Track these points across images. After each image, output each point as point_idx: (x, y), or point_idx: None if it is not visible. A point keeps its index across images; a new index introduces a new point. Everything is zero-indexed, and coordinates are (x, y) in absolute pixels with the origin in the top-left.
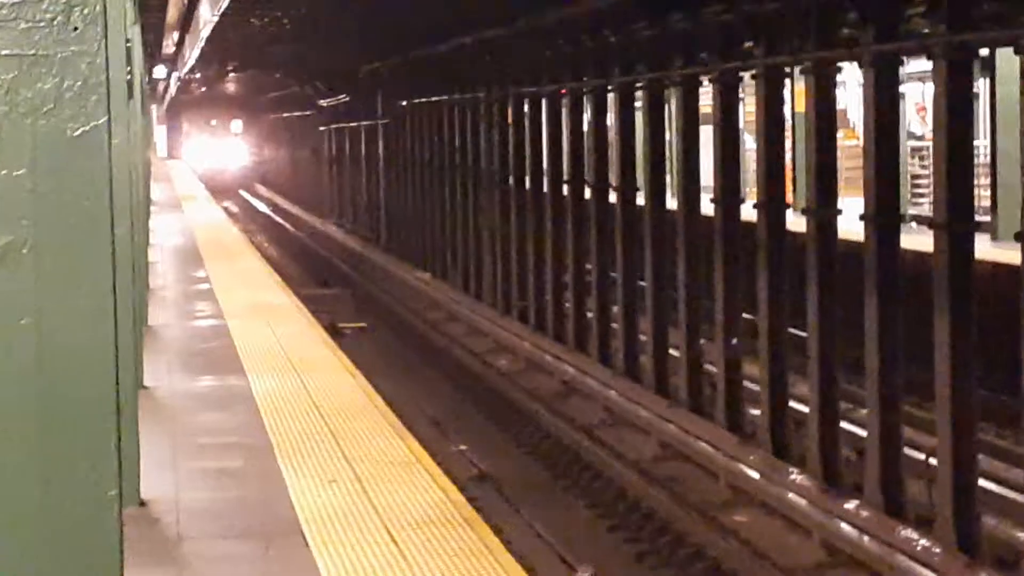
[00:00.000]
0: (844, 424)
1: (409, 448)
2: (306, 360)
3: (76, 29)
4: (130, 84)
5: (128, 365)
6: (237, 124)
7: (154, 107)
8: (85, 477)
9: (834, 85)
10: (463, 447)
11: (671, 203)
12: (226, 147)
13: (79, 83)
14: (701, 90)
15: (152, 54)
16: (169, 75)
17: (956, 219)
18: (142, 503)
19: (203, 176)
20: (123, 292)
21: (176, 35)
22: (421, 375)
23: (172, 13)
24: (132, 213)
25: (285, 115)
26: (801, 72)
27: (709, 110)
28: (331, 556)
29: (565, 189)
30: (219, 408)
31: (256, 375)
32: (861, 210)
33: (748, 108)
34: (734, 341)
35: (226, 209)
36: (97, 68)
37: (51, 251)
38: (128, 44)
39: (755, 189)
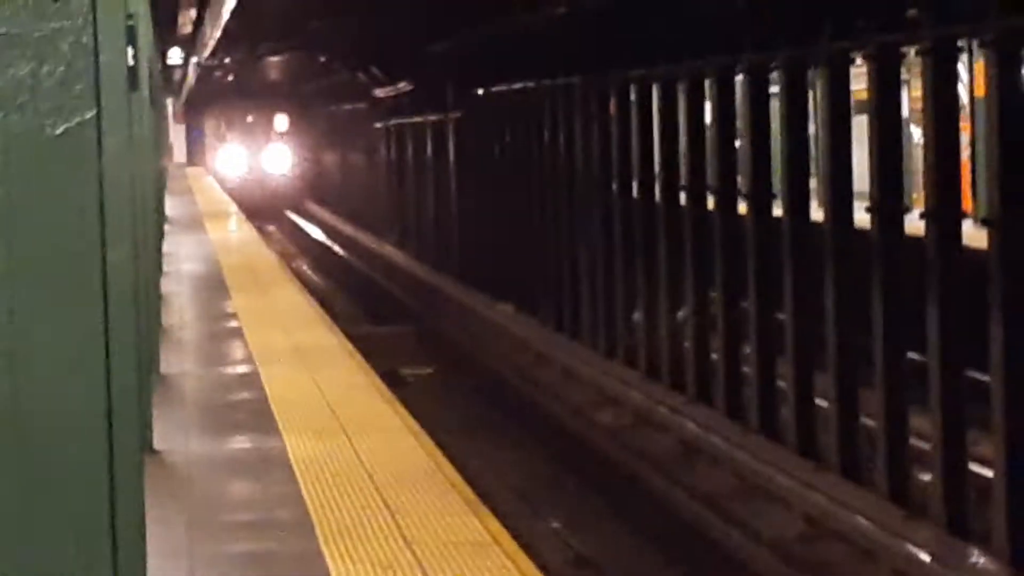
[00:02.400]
0: None
1: (485, 526)
2: (357, 416)
3: (56, 1)
4: (132, 71)
5: (130, 423)
6: (282, 120)
7: (170, 101)
8: (71, 561)
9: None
10: (555, 525)
11: (815, 213)
12: (266, 151)
13: (61, 68)
14: (853, 70)
15: (165, 35)
16: (186, 60)
17: None
18: None
19: (235, 191)
20: (121, 331)
21: (194, 11)
22: (502, 434)
23: None
24: (135, 233)
25: (346, 107)
26: (981, 47)
27: (863, 95)
28: None
29: (682, 197)
30: (248, 477)
31: (294, 435)
32: None
33: (914, 92)
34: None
35: (265, 232)
36: (83, 49)
37: (27, 280)
38: (130, 21)
39: (922, 194)
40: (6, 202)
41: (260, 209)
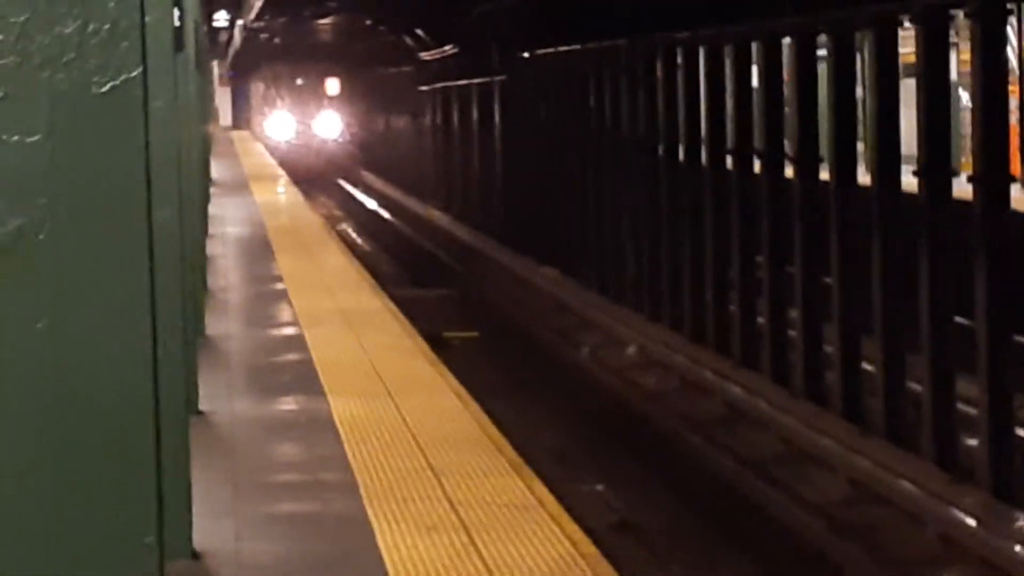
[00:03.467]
0: None
1: (530, 488)
2: (402, 378)
3: None
4: (178, 32)
5: (176, 384)
6: (333, 84)
7: (215, 64)
8: (116, 521)
9: None
10: (599, 488)
11: (863, 177)
12: (317, 115)
13: (107, 27)
14: (901, 33)
15: None
16: (232, 23)
17: None
18: (195, 555)
19: (283, 157)
20: (168, 293)
21: None
22: (546, 398)
23: None
24: (181, 194)
25: (392, 71)
26: None
27: (911, 59)
28: None
29: (729, 161)
30: (292, 438)
31: (339, 397)
32: None
33: (962, 56)
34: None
35: (317, 201)
36: (130, 8)
37: (73, 238)
38: None
39: (970, 159)
40: (51, 160)
41: (309, 177)
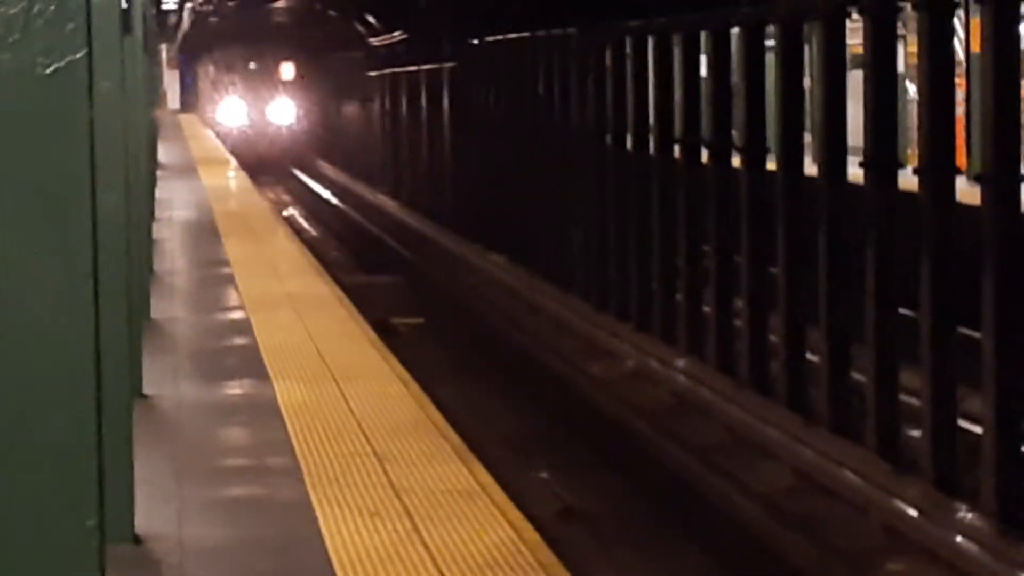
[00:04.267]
0: None
1: (474, 475)
2: (347, 364)
3: None
4: (126, 14)
5: (120, 367)
6: (288, 69)
7: (164, 48)
8: (57, 504)
9: (1020, 19)
10: (544, 475)
11: (809, 168)
12: (271, 101)
13: (52, 7)
14: (849, 24)
15: None
16: (181, 5)
17: None
18: (136, 540)
19: (235, 145)
20: (112, 276)
21: None
22: (493, 384)
23: None
24: (127, 177)
25: (343, 56)
26: (977, 2)
27: (859, 50)
28: None
29: (676, 151)
30: (236, 423)
31: (284, 382)
32: None
33: (910, 48)
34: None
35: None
36: None
37: (17, 220)
38: None
39: (916, 151)
40: None
41: (262, 166)
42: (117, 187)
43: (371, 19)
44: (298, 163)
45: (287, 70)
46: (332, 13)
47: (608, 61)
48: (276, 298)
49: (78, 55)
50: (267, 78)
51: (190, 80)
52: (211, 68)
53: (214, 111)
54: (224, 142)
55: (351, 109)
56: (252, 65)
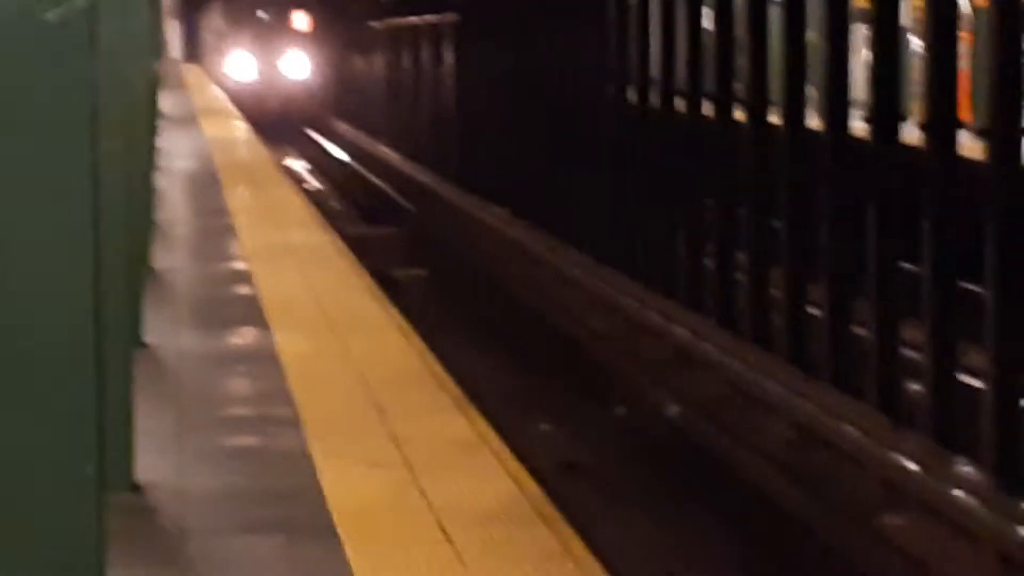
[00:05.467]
0: None
1: (474, 427)
2: (347, 315)
3: None
4: None
5: (120, 316)
6: (300, 18)
7: None
8: (57, 451)
9: None
10: (544, 427)
11: (812, 121)
12: (282, 54)
13: None
14: None
15: None
16: None
17: None
18: (135, 488)
19: (241, 100)
20: (113, 225)
21: None
22: (493, 337)
23: None
24: (129, 126)
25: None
26: None
27: (864, 4)
28: (370, 558)
29: (678, 103)
30: (236, 372)
31: (284, 333)
32: None
33: (914, 2)
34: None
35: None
36: None
37: (15, 167)
38: None
39: (920, 105)
40: None
41: (273, 126)
42: (118, 135)
43: None
44: (313, 124)
45: (300, 20)
46: None
47: (613, 12)
48: (277, 249)
49: (81, 3)
50: (278, 28)
51: (193, 30)
52: (216, 18)
53: (220, 63)
54: (232, 99)
55: (356, 63)
56: (261, 14)
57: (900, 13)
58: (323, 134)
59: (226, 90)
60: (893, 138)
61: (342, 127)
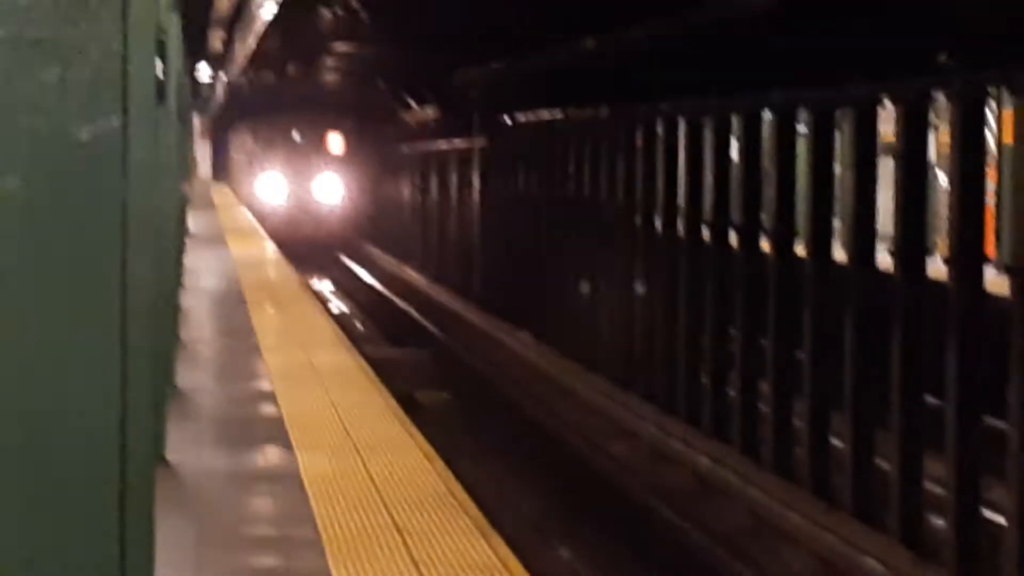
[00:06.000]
0: None
1: (495, 551)
2: (371, 437)
3: (89, 6)
4: (161, 84)
5: (144, 434)
6: (336, 141)
7: (196, 118)
8: (79, 567)
9: None
10: (565, 554)
11: (838, 254)
12: (315, 176)
13: (88, 73)
14: (881, 113)
15: (195, 52)
16: (215, 77)
17: None
18: None
19: (271, 223)
20: (139, 343)
21: (224, 31)
22: (516, 462)
23: (223, 4)
24: (158, 246)
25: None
26: (1010, 93)
27: (891, 138)
28: None
29: (705, 233)
30: (258, 492)
31: (307, 453)
32: None
33: (941, 137)
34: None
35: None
36: (113, 57)
37: (46, 286)
38: (162, 36)
39: (946, 240)
40: (28, 207)
41: (307, 252)
42: (147, 254)
43: (405, 95)
44: (347, 250)
45: (335, 142)
46: (364, 88)
47: (639, 143)
48: (301, 369)
49: (114, 124)
50: (312, 151)
51: (222, 151)
52: (247, 138)
53: (249, 184)
54: (262, 223)
55: (385, 184)
56: (296, 136)
57: (928, 148)
58: (358, 262)
59: (255, 212)
60: (920, 272)
61: (375, 253)
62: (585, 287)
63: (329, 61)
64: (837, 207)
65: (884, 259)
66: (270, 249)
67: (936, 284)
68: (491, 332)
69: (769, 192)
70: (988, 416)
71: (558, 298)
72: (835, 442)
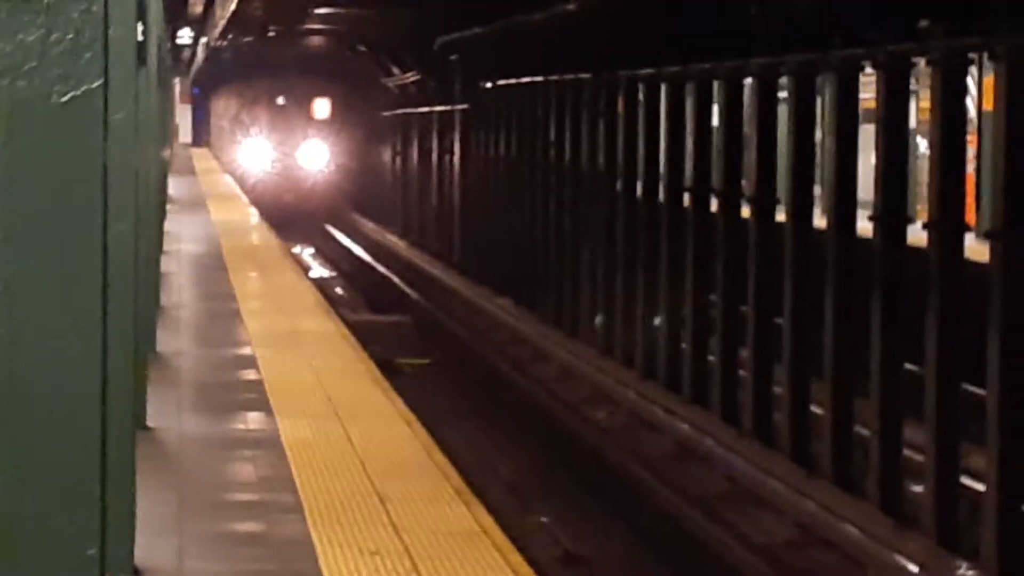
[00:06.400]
0: None
1: (475, 517)
2: (351, 402)
3: None
4: (141, 46)
5: (125, 399)
6: (323, 106)
7: (177, 81)
8: (60, 531)
9: None
10: (545, 519)
11: (818, 220)
12: (301, 143)
13: (70, 36)
14: (863, 78)
15: (176, 16)
16: (195, 41)
17: None
18: (136, 572)
19: (259, 195)
20: (120, 308)
21: None
22: (497, 427)
23: None
24: (138, 209)
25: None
26: (991, 60)
27: (872, 104)
28: None
29: (686, 199)
30: (239, 457)
31: (287, 418)
32: None
33: (922, 103)
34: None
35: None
36: (94, 19)
37: (27, 248)
38: None
39: (926, 206)
40: (8, 168)
41: (291, 222)
42: (127, 218)
43: (385, 59)
44: (334, 219)
45: (321, 107)
46: (345, 52)
47: (620, 107)
48: (282, 334)
49: (94, 85)
50: (297, 115)
51: (203, 114)
52: (231, 103)
53: (232, 150)
54: (246, 190)
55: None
56: (280, 100)
57: (909, 115)
58: (342, 229)
59: (238, 179)
60: (899, 238)
61: (358, 220)
62: (566, 255)
63: (310, 24)
64: (818, 173)
65: (864, 225)
66: (252, 215)
67: (916, 251)
68: (473, 299)
69: (750, 158)
70: (967, 384)
71: (539, 264)
72: (815, 409)
